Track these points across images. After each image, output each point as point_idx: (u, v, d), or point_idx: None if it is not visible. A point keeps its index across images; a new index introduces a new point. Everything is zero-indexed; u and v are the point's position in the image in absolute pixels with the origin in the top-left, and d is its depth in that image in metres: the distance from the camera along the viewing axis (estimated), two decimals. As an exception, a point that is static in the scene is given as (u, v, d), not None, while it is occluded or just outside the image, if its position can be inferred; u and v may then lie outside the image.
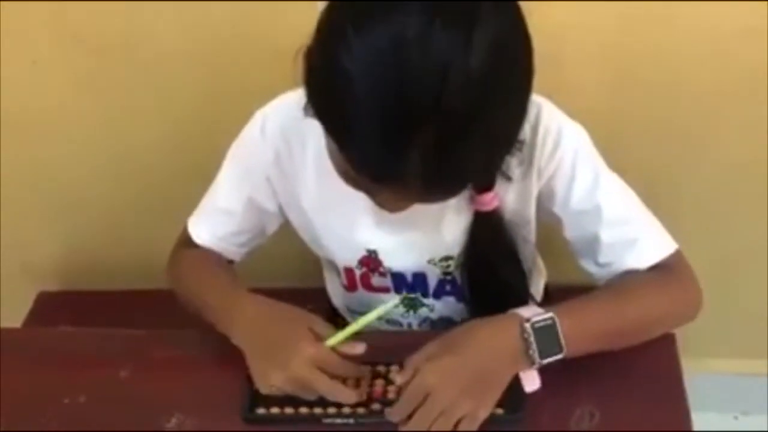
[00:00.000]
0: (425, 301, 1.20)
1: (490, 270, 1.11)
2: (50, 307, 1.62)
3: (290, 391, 0.97)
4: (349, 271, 1.18)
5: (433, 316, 1.21)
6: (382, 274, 1.16)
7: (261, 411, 1.00)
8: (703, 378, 1.25)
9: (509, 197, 1.08)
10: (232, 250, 1.18)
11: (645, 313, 1.02)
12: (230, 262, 1.19)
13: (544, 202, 1.09)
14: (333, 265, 1.22)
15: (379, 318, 1.01)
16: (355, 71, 0.77)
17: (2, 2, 1.37)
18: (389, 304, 1.00)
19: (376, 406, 0.98)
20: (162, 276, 1.19)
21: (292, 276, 1.44)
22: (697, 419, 0.98)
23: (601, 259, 1.06)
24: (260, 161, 1.10)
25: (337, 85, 0.79)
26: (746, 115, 1.40)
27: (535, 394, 0.96)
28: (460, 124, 0.78)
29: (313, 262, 1.30)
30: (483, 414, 0.93)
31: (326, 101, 0.82)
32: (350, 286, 1.21)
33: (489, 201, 1.05)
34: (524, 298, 1.14)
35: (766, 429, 1.72)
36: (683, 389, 1.01)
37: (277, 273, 1.43)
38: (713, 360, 1.67)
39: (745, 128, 1.42)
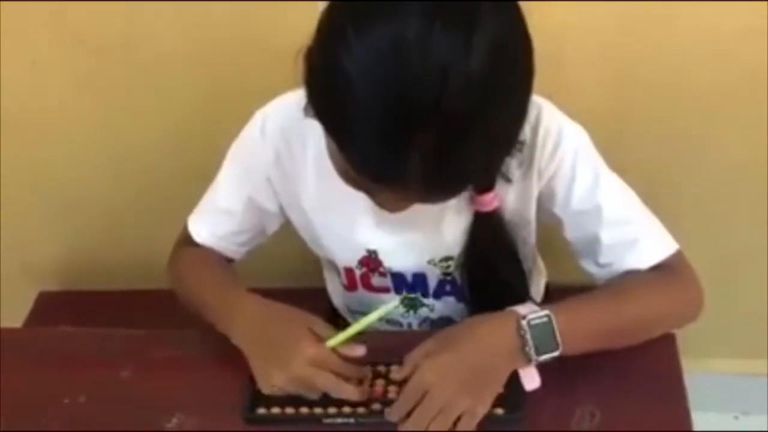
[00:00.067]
0: (425, 301, 1.20)
1: (490, 270, 1.11)
2: (51, 307, 1.62)
3: (293, 391, 0.97)
4: (349, 271, 1.18)
5: (433, 316, 1.21)
6: (382, 274, 1.16)
7: (261, 411, 1.00)
8: (704, 378, 1.25)
9: (509, 198, 1.08)
10: (232, 249, 1.18)
11: (643, 313, 1.02)
12: (230, 261, 1.19)
13: (544, 202, 1.09)
14: (333, 265, 1.22)
15: (380, 319, 1.01)
16: (356, 72, 0.77)
17: (2, 2, 1.37)
18: (390, 305, 1.00)
19: (376, 406, 0.98)
20: (162, 276, 1.19)
21: (293, 276, 1.44)
22: (698, 419, 0.98)
23: (602, 260, 1.06)
24: (260, 161, 1.10)
25: (338, 86, 0.79)
26: (746, 115, 1.40)
27: (535, 393, 0.96)
28: (460, 125, 0.78)
29: (313, 262, 1.30)
30: (481, 411, 0.93)
31: (326, 102, 0.82)
32: (350, 286, 1.21)
33: (489, 201, 1.05)
34: (524, 299, 1.14)
35: (766, 429, 1.72)
36: (684, 389, 1.01)
37: (278, 273, 1.43)
38: (713, 360, 1.67)
39: (745, 128, 1.42)
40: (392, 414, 0.94)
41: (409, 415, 0.93)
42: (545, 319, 0.94)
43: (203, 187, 1.17)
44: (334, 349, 0.97)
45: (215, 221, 1.16)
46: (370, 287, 1.19)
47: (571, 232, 1.09)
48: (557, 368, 0.95)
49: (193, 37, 1.40)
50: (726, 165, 1.46)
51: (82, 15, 1.38)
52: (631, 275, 1.04)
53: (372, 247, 1.13)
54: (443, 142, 0.78)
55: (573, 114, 1.06)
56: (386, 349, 0.99)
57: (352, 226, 1.11)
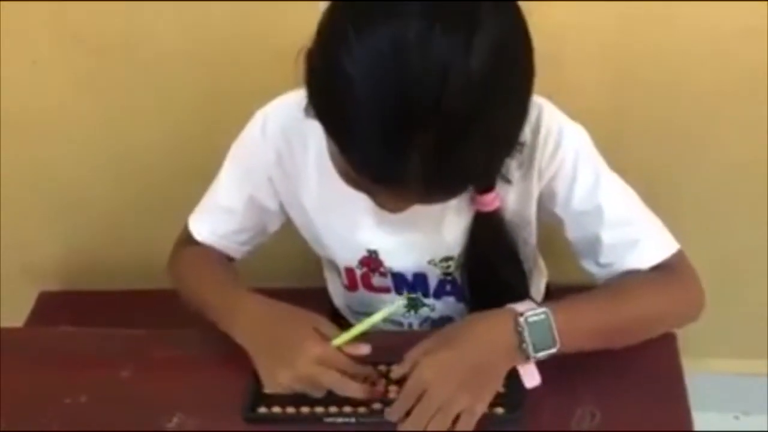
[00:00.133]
0: (426, 301, 1.20)
1: (490, 270, 1.11)
2: (51, 307, 1.62)
3: (298, 389, 0.97)
4: (349, 271, 1.18)
5: (434, 315, 1.22)
6: (383, 275, 1.16)
7: (262, 410, 1.00)
8: (704, 378, 1.25)
9: (510, 198, 1.08)
10: (232, 248, 1.18)
11: (643, 312, 1.02)
12: (231, 260, 1.19)
13: (545, 202, 1.09)
14: (334, 265, 1.22)
15: (385, 319, 1.01)
16: (356, 73, 0.77)
17: (2, 2, 1.37)
18: (395, 305, 1.01)
19: (377, 406, 0.98)
20: (162, 276, 1.19)
21: (293, 276, 1.44)
22: (698, 419, 0.98)
23: (603, 260, 1.06)
24: (261, 161, 1.10)
25: (338, 87, 0.79)
26: (746, 115, 1.40)
27: (535, 393, 0.96)
28: (460, 125, 0.78)
29: (313, 262, 1.30)
30: (480, 409, 0.93)
31: (327, 102, 0.82)
32: (351, 286, 1.21)
33: (490, 201, 1.05)
34: (524, 299, 1.14)
35: (766, 429, 1.72)
36: (684, 389, 1.01)
37: (278, 273, 1.43)
38: (714, 360, 1.67)
39: (745, 128, 1.42)
40: (392, 413, 0.94)
41: (408, 414, 0.93)
42: (543, 316, 0.94)
43: (203, 187, 1.17)
44: (339, 348, 0.97)
45: (216, 220, 1.16)
46: (370, 287, 1.19)
47: (571, 232, 1.09)
48: (557, 367, 0.95)
49: (193, 37, 1.40)
50: (726, 165, 1.46)
51: (82, 15, 1.38)
52: (632, 274, 1.04)
53: (373, 247, 1.13)
54: (443, 143, 0.78)
55: (573, 114, 1.06)
56: (387, 349, 0.99)
57: (352, 226, 1.11)
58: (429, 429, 0.92)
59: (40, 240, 1.69)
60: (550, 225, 1.11)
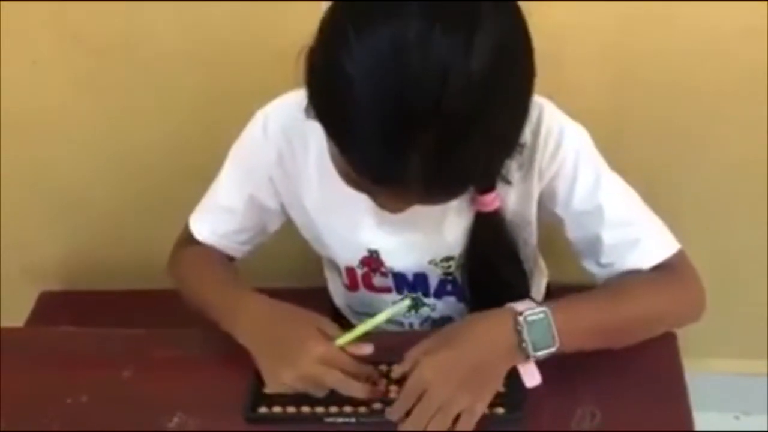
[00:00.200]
0: (427, 300, 1.20)
1: (491, 270, 1.11)
2: (52, 307, 1.62)
3: (301, 389, 0.97)
4: (350, 271, 1.18)
5: (435, 315, 1.22)
6: (384, 274, 1.16)
7: (263, 410, 1.01)
8: (704, 378, 1.25)
9: (510, 199, 1.08)
10: (233, 247, 1.18)
11: (642, 312, 1.02)
12: (231, 259, 1.19)
13: (545, 202, 1.09)
14: (335, 265, 1.22)
15: (389, 320, 1.01)
16: (356, 74, 0.77)
17: (2, 2, 1.37)
18: (399, 306, 1.01)
19: (377, 405, 0.98)
20: (162, 276, 1.19)
21: (294, 276, 1.44)
22: (698, 419, 0.98)
23: (603, 260, 1.06)
24: (262, 161, 1.10)
25: (338, 88, 0.79)
26: (746, 115, 1.40)
27: (535, 393, 0.96)
28: (460, 126, 0.78)
29: (314, 262, 1.30)
30: (480, 409, 0.93)
31: (327, 103, 0.82)
32: (352, 286, 1.21)
33: (490, 202, 1.05)
34: (525, 299, 1.14)
35: (766, 429, 1.72)
36: (685, 389, 1.01)
37: (279, 273, 1.44)
38: (714, 360, 1.68)
39: (745, 128, 1.42)
40: (392, 413, 0.94)
41: (408, 414, 0.93)
42: (542, 315, 0.94)
43: (203, 187, 1.18)
44: (342, 348, 0.98)
45: (216, 220, 1.16)
46: (371, 287, 1.19)
47: (572, 232, 1.09)
48: (558, 367, 0.95)
49: (194, 37, 1.40)
50: (726, 165, 1.46)
51: (82, 15, 1.38)
52: (632, 274, 1.04)
53: (373, 247, 1.13)
54: (443, 143, 0.78)
55: (573, 114, 1.06)
56: (387, 349, 0.99)
57: (353, 226, 1.11)
58: (429, 429, 0.92)
59: (41, 240, 1.69)
60: (551, 225, 1.11)
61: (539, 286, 1.32)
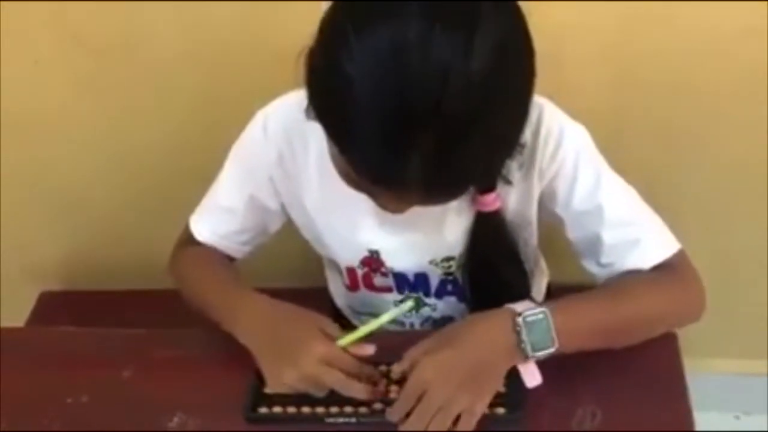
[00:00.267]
0: (427, 300, 1.20)
1: (491, 270, 1.11)
2: (52, 307, 1.63)
3: (302, 389, 0.97)
4: (351, 271, 1.18)
5: (436, 315, 1.22)
6: (384, 275, 1.16)
7: (263, 410, 1.00)
8: (705, 378, 1.25)
9: (511, 199, 1.08)
10: (234, 248, 1.18)
11: (642, 312, 1.02)
12: (232, 260, 1.19)
13: (546, 202, 1.09)
14: (335, 265, 1.22)
15: (392, 321, 1.01)
16: (356, 74, 0.77)
17: (2, 2, 1.37)
18: (402, 307, 1.01)
19: (377, 406, 0.98)
20: (162, 276, 1.19)
21: (294, 276, 1.44)
22: (699, 419, 0.97)
23: (604, 260, 1.06)
24: (262, 161, 1.10)
25: (338, 88, 0.79)
26: (746, 115, 1.40)
27: (536, 393, 0.96)
28: (460, 127, 0.78)
29: (314, 262, 1.30)
30: (480, 409, 0.93)
31: (327, 103, 0.82)
32: (352, 286, 1.21)
33: (491, 202, 1.05)
34: (525, 299, 1.14)
35: (767, 429, 1.72)
36: (685, 389, 1.01)
37: (279, 273, 1.43)
38: (714, 360, 1.68)
39: (745, 128, 1.42)
40: (392, 414, 0.94)
41: (408, 414, 0.93)
42: (541, 316, 0.94)
43: (203, 187, 1.18)
44: (344, 348, 0.98)
45: (217, 220, 1.16)
46: (372, 287, 1.19)
47: (572, 232, 1.09)
48: (558, 367, 0.95)
49: (194, 37, 1.40)
50: (726, 165, 1.46)
51: (82, 15, 1.38)
52: (632, 274, 1.04)
53: (374, 247, 1.13)
54: (443, 144, 0.78)
55: (573, 114, 1.06)
56: (388, 349, 0.99)
57: (354, 226, 1.11)
58: (429, 429, 0.92)
59: (41, 240, 1.70)
60: (551, 225, 1.11)
61: (540, 286, 1.32)
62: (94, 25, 1.40)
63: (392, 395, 0.98)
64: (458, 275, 1.15)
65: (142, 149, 1.54)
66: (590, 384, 1.00)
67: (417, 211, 0.92)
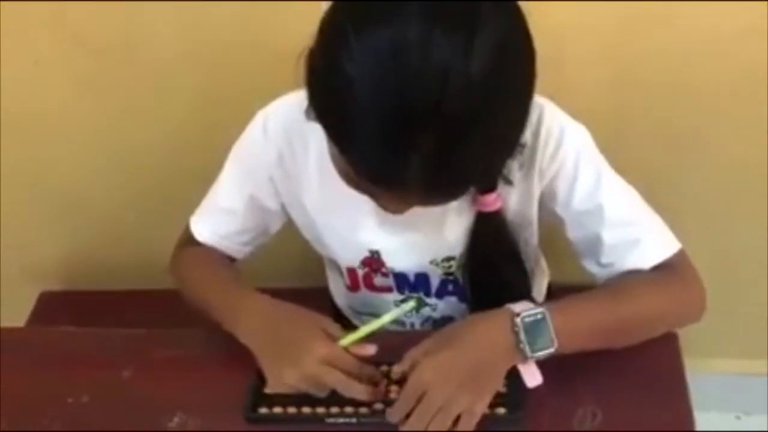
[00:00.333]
0: (428, 300, 1.20)
1: (492, 270, 1.11)
2: (52, 307, 1.63)
3: (303, 389, 0.97)
4: (351, 271, 1.18)
5: (436, 315, 1.22)
6: (385, 275, 1.16)
7: (263, 410, 1.00)
8: (705, 378, 1.25)
9: (511, 198, 1.08)
10: (234, 248, 1.18)
11: (642, 312, 1.02)
12: (232, 260, 1.19)
13: (546, 202, 1.09)
14: (336, 265, 1.22)
15: (393, 321, 1.01)
16: (356, 74, 0.77)
17: (2, 2, 1.37)
18: (404, 307, 1.01)
19: (378, 406, 0.98)
20: (162, 276, 1.19)
21: (294, 276, 1.44)
22: (699, 419, 0.97)
23: (604, 260, 1.06)
24: (262, 161, 1.10)
25: (338, 88, 0.79)
26: (746, 115, 1.40)
27: (536, 393, 0.96)
28: (460, 127, 0.78)
29: (315, 262, 1.30)
30: (480, 409, 0.93)
31: (327, 103, 0.82)
32: (353, 286, 1.21)
33: (492, 202, 1.05)
34: (526, 299, 1.14)
35: (767, 429, 1.72)
36: (686, 389, 1.01)
37: (280, 273, 1.43)
38: (715, 360, 1.68)
39: (745, 128, 1.42)
40: (392, 415, 0.94)
41: (409, 415, 0.93)
42: (539, 316, 0.94)
43: (203, 187, 1.17)
44: (345, 349, 0.98)
45: (217, 221, 1.16)
46: (372, 287, 1.19)
47: (573, 232, 1.09)
48: (558, 367, 0.95)
49: (194, 37, 1.40)
50: (726, 165, 1.46)
51: (82, 15, 1.38)
52: (633, 274, 1.04)
53: (374, 247, 1.13)
54: (444, 145, 0.78)
55: (573, 114, 1.06)
56: (388, 349, 0.99)
57: (354, 227, 1.11)
58: (430, 429, 0.92)
59: (41, 240, 1.70)
60: (552, 225, 1.11)
61: (540, 286, 1.32)
62: (94, 25, 1.40)
63: (392, 395, 0.98)
64: (459, 275, 1.15)
65: (142, 149, 1.54)
66: (591, 384, 1.00)
67: (417, 212, 0.92)
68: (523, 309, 0.95)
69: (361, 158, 0.82)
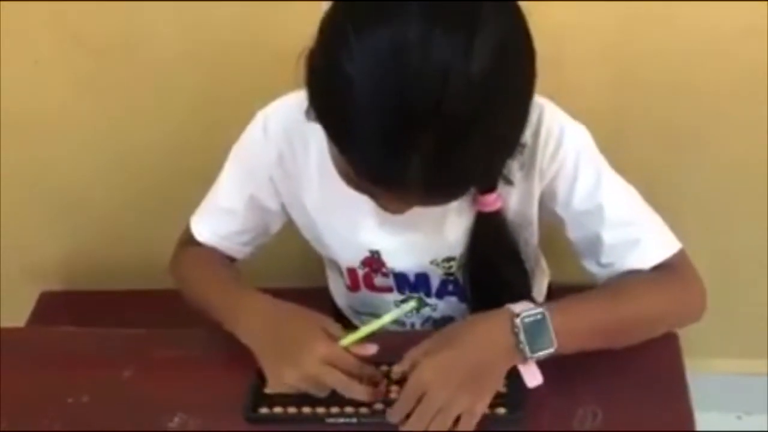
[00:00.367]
0: (428, 300, 1.20)
1: (492, 270, 1.11)
2: (52, 307, 1.63)
3: (304, 389, 0.97)
4: (352, 272, 1.18)
5: (436, 315, 1.22)
6: (385, 275, 1.16)
7: (264, 411, 1.00)
8: (706, 378, 1.25)
9: (512, 198, 1.08)
10: (234, 248, 1.18)
11: (642, 312, 1.02)
12: (233, 260, 1.19)
13: (546, 202, 1.09)
14: (336, 265, 1.22)
15: (393, 321, 1.01)
16: (356, 75, 0.77)
17: (2, 2, 1.37)
18: (405, 306, 1.01)
19: (378, 406, 0.98)
20: (162, 276, 1.19)
21: (295, 276, 1.44)
22: (700, 419, 0.98)
23: (604, 260, 1.06)
24: (263, 162, 1.10)
25: (338, 88, 0.79)
26: (746, 115, 1.40)
27: (536, 393, 0.96)
28: (460, 127, 0.77)
29: (315, 262, 1.30)
30: (480, 409, 0.93)
31: (327, 104, 0.82)
32: (353, 286, 1.21)
33: (492, 202, 1.05)
34: (526, 299, 1.14)
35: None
36: (686, 389, 1.01)
37: (280, 273, 1.43)
38: (715, 360, 1.68)
39: (745, 128, 1.42)
40: (393, 415, 0.94)
41: (409, 416, 0.93)
42: (539, 317, 0.94)
43: (203, 187, 1.17)
44: (346, 349, 0.98)
45: (217, 221, 1.16)
46: (373, 287, 1.19)
47: (573, 232, 1.09)
48: (558, 367, 0.95)
49: (194, 38, 1.40)
50: (726, 165, 1.46)
51: (82, 15, 1.38)
52: (633, 274, 1.04)
53: (375, 247, 1.13)
54: (444, 145, 0.78)
55: (573, 114, 1.06)
56: (389, 349, 0.99)
57: (354, 227, 1.11)
58: (430, 430, 0.92)
59: (41, 240, 1.70)
60: (552, 225, 1.11)
61: (541, 286, 1.32)
62: (94, 25, 1.40)
63: (393, 395, 0.98)
64: (459, 275, 1.15)
65: (142, 149, 1.54)
66: (591, 384, 1.00)
67: (417, 212, 0.92)
68: (523, 309, 0.94)
69: (361, 158, 0.82)
